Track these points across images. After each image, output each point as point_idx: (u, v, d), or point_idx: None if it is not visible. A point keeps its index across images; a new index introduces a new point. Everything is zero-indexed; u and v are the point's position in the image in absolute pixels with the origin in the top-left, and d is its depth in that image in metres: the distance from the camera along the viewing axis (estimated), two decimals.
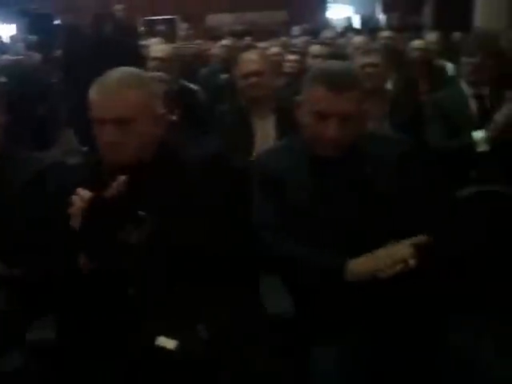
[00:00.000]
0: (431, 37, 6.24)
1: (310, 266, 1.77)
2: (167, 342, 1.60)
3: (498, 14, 10.89)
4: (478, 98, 3.05)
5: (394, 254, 1.68)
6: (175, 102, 2.65)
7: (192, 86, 4.11)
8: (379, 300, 1.70)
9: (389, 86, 3.70)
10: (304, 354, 1.71)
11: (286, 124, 2.71)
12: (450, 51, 5.88)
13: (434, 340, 1.69)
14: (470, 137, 2.89)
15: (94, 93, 1.68)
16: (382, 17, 14.05)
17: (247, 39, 6.98)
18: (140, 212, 1.56)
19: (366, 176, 1.84)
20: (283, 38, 7.46)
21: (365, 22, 13.62)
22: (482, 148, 2.87)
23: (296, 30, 9.47)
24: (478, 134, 2.88)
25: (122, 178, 1.55)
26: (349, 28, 10.99)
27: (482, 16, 11.16)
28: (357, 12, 15.22)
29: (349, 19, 13.94)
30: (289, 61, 4.77)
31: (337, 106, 1.75)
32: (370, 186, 1.83)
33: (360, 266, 1.71)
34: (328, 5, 15.19)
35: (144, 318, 1.62)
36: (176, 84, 3.34)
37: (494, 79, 3.08)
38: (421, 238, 1.69)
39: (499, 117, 2.84)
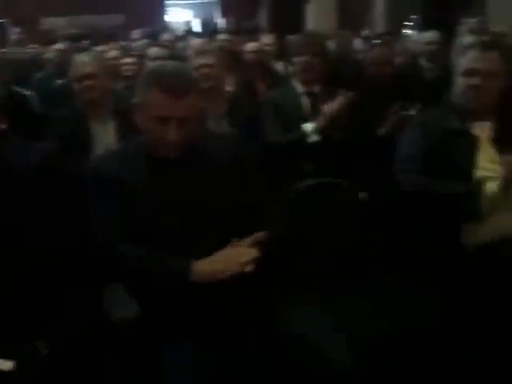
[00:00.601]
0: (266, 39, 6.47)
1: (156, 270, 1.74)
2: (2, 364, 1.50)
3: (327, 18, 11.58)
4: (310, 95, 3.19)
5: (236, 255, 1.71)
6: (4, 108, 2.50)
7: (23, 91, 3.90)
8: (224, 298, 1.72)
9: (228, 86, 3.76)
10: (155, 354, 1.68)
11: (126, 127, 2.66)
12: (284, 53, 6.14)
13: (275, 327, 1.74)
14: (301, 129, 3.03)
15: None
16: (220, 21, 14.30)
17: (84, 43, 6.78)
18: None
19: (204, 175, 1.86)
20: (122, 42, 7.33)
21: (204, 25, 13.78)
22: (313, 139, 3.01)
23: (135, 33, 9.35)
24: (308, 126, 3.03)
25: None
26: (189, 31, 11.07)
27: (313, 20, 11.80)
28: (196, 16, 15.37)
29: (189, 23, 14.03)
30: (126, 64, 4.69)
31: (175, 111, 1.74)
32: (209, 185, 1.84)
33: (204, 267, 1.72)
34: (167, 8, 15.19)
35: None
36: (5, 90, 3.17)
37: (323, 77, 3.25)
38: (259, 235, 1.73)
39: (327, 108, 3.00)
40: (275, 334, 1.73)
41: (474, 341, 2.03)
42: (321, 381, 1.66)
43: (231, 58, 4.21)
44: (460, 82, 2.44)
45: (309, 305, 1.84)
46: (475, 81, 2.38)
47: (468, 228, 2.27)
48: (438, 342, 1.94)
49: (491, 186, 2.22)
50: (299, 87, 3.23)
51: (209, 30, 11.65)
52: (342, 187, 2.50)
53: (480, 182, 2.25)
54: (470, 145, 2.36)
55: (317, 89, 3.23)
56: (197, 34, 9.59)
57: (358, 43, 7.18)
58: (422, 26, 9.53)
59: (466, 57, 2.44)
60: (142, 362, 1.73)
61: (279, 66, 5.57)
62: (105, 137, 3.01)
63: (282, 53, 6.15)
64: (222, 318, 1.74)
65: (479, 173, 2.30)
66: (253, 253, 1.71)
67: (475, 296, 2.10)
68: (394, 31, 8.25)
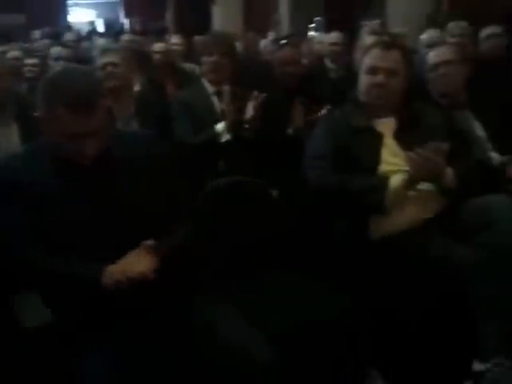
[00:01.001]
0: (174, 40, 6.44)
1: (67, 276, 1.70)
2: None
3: (233, 19, 11.67)
4: (220, 94, 3.21)
5: (141, 260, 1.70)
6: None
7: None
8: (137, 299, 1.70)
9: (136, 87, 3.71)
10: (72, 358, 1.66)
11: (30, 130, 2.58)
12: (192, 53, 6.14)
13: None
14: (213, 129, 3.05)
15: None
16: (125, 21, 14.09)
17: None
18: None
19: (117, 176, 1.83)
20: (22, 43, 7.08)
21: (109, 26, 13.53)
22: (225, 138, 3.04)
23: (36, 33, 9.05)
24: (220, 126, 3.05)
25: None
26: (93, 32, 10.83)
27: (219, 21, 11.85)
28: (99, 16, 15.07)
29: (92, 23, 13.74)
30: (28, 65, 4.55)
31: (85, 126, 1.68)
32: (120, 187, 1.82)
33: (115, 271, 1.69)
34: (69, 8, 14.79)
35: None
36: None
37: (231, 77, 3.27)
38: (150, 244, 1.72)
39: (230, 108, 3.05)
40: (188, 332, 1.73)
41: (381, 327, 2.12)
42: (237, 379, 1.67)
43: (138, 57, 4.16)
44: (364, 80, 2.53)
45: (220, 303, 1.85)
46: (379, 78, 2.48)
47: (374, 221, 2.36)
48: (348, 330, 2.00)
49: (395, 180, 2.32)
50: (209, 87, 3.24)
51: (113, 30, 11.45)
52: (254, 185, 2.53)
53: (385, 177, 2.34)
54: (375, 141, 2.45)
55: (226, 88, 3.25)
56: (101, 35, 9.40)
57: (263, 44, 7.28)
58: (325, 28, 9.79)
59: (370, 55, 2.55)
60: (57, 367, 1.68)
61: (189, 66, 5.57)
62: (7, 140, 2.90)
63: (190, 53, 6.16)
64: (138, 318, 1.73)
65: (384, 167, 2.40)
66: (151, 262, 1.70)
67: (382, 286, 2.19)
68: (298, 33, 8.41)
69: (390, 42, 2.67)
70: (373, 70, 2.50)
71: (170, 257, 1.77)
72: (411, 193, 2.33)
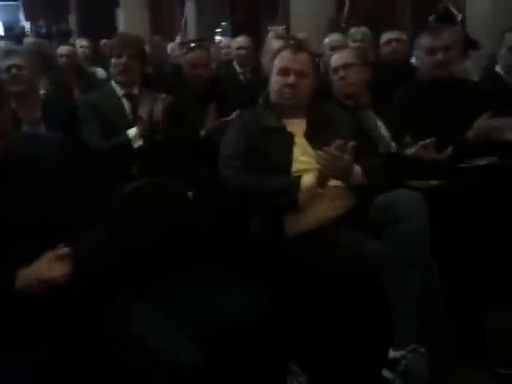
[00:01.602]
0: (79, 43, 6.31)
1: None
2: None
3: (139, 23, 11.56)
4: (129, 97, 3.17)
5: (54, 264, 1.66)
6: None
7: None
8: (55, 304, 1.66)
9: (41, 90, 3.61)
10: None
11: None
12: (99, 56, 6.04)
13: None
14: (126, 134, 3.01)
15: None
16: (26, 24, 13.65)
17: None
18: None
19: (24, 181, 1.77)
20: None
21: (8, 28, 13.04)
22: (137, 144, 3.01)
23: None
24: (132, 131, 3.02)
25: None
26: None
27: (124, 25, 11.71)
28: None
29: None
30: None
31: None
32: (25, 189, 1.76)
33: (27, 275, 1.64)
34: None
35: None
36: None
37: (141, 79, 3.25)
38: (64, 250, 1.69)
39: (142, 112, 3.03)
40: (111, 337, 1.71)
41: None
42: (159, 380, 1.66)
43: (42, 60, 4.05)
44: (276, 81, 2.59)
45: (139, 304, 1.84)
46: (290, 79, 2.54)
47: (288, 219, 2.41)
48: (267, 327, 2.03)
49: (307, 179, 2.38)
50: (118, 90, 3.19)
51: (13, 33, 11.04)
52: (168, 187, 2.51)
53: (298, 176, 2.40)
54: (286, 141, 2.51)
55: (136, 91, 3.22)
56: (0, 37, 9.04)
57: (171, 48, 7.28)
58: (231, 32, 9.90)
59: (280, 57, 2.62)
60: None
61: (95, 70, 5.49)
62: None
63: (97, 56, 6.06)
64: (56, 324, 1.68)
65: (296, 166, 2.46)
66: (65, 266, 1.67)
67: (298, 282, 2.24)
68: (206, 37, 8.47)
69: (299, 46, 2.76)
70: (284, 71, 2.57)
71: (85, 261, 1.73)
72: (322, 190, 2.39)
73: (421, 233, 2.14)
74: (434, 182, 2.79)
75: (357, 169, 2.42)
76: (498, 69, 3.57)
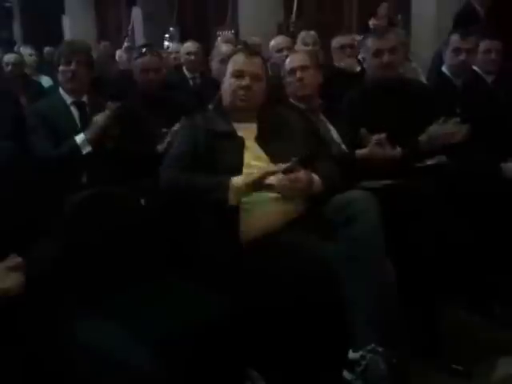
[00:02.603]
0: (24, 51, 6.16)
1: None
2: None
3: (85, 29, 11.43)
4: (78, 105, 3.12)
5: (5, 276, 1.63)
6: None
7: None
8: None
9: None
10: None
11: None
12: (45, 64, 5.93)
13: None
14: (74, 140, 2.97)
15: None
16: None
17: None
18: None
19: None
20: None
21: None
22: (86, 150, 2.98)
23: None
24: (80, 137, 2.99)
25: None
26: None
27: (71, 32, 11.54)
28: None
29: None
30: None
31: None
32: None
33: None
34: None
35: None
36: None
37: (89, 87, 3.20)
38: (15, 260, 1.65)
39: (95, 120, 3.02)
40: (62, 348, 1.66)
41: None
42: None
43: None
44: (230, 84, 2.58)
45: (93, 317, 1.80)
46: (245, 81, 2.55)
47: (243, 223, 2.39)
48: (225, 332, 2.01)
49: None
50: (67, 97, 3.14)
51: None
52: (119, 195, 2.47)
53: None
54: (237, 145, 2.50)
55: (84, 98, 3.17)
56: None
57: (119, 54, 7.20)
58: (180, 38, 9.85)
59: (234, 61, 2.62)
60: None
61: (42, 78, 5.41)
62: None
63: (41, 64, 5.96)
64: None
65: (247, 171, 2.44)
66: (16, 277, 1.64)
67: (255, 286, 2.22)
68: (154, 43, 8.41)
69: (252, 50, 2.77)
70: (238, 74, 2.57)
71: (37, 271, 1.69)
72: (274, 195, 2.39)
73: (373, 232, 2.15)
74: (385, 182, 2.83)
75: (316, 180, 2.45)
76: (444, 69, 3.63)
